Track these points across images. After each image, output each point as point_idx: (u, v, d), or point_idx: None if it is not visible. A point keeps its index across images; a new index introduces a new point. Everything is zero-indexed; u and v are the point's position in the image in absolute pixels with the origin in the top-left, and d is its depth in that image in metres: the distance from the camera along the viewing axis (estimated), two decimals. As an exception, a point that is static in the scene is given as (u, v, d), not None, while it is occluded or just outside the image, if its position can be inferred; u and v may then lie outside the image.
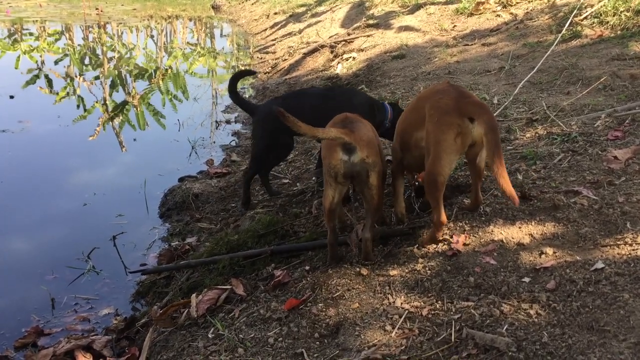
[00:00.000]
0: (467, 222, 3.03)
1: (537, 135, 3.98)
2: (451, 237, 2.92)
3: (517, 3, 7.83)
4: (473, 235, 2.89)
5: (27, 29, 15.58)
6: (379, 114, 4.03)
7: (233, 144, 6.58)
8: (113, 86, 10.06)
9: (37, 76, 10.45)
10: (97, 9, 17.25)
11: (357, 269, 2.90)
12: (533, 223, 2.86)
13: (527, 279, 2.46)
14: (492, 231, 2.88)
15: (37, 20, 16.17)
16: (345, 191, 3.01)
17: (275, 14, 14.83)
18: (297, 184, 4.56)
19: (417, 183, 3.47)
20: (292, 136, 4.07)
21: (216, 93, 9.39)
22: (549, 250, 2.62)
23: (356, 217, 3.51)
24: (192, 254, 4.02)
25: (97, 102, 8.83)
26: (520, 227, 2.86)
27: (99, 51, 13.64)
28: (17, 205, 5.05)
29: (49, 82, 10.06)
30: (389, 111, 4.07)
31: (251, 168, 4.26)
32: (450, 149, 2.74)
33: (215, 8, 19.16)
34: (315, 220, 3.75)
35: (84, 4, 17.24)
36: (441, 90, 2.90)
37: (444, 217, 2.86)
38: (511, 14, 7.59)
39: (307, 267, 3.12)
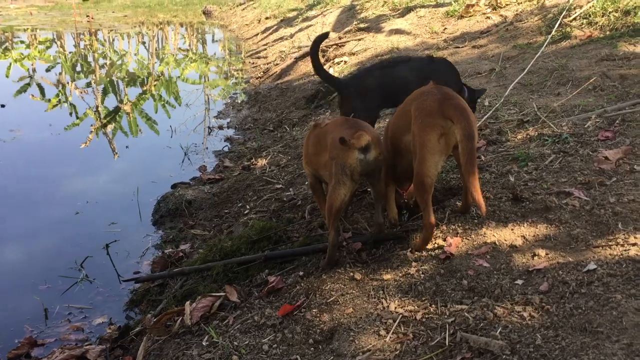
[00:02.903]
0: (459, 224, 3.04)
1: (528, 136, 4.00)
2: (444, 240, 2.93)
3: (507, 5, 7.86)
4: (466, 238, 2.90)
5: (17, 37, 15.53)
6: (460, 92, 4.01)
7: (226, 149, 6.57)
8: (105, 93, 10.05)
9: (28, 84, 10.43)
10: (87, 16, 17.20)
11: (351, 274, 2.90)
12: (525, 225, 2.87)
13: (520, 281, 2.47)
14: (484, 233, 2.89)
15: (27, 28, 16.13)
16: (355, 190, 3.11)
17: (267, 18, 14.83)
18: (290, 189, 4.55)
19: (405, 200, 3.47)
20: (380, 109, 4.07)
21: (209, 99, 9.38)
22: (542, 252, 2.62)
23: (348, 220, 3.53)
24: (186, 261, 4.01)
25: (89, 109, 8.81)
26: (512, 229, 2.86)
27: (90, 58, 13.61)
28: (9, 215, 5.03)
29: (41, 90, 10.04)
30: (465, 92, 4.04)
31: None
32: (434, 150, 2.76)
33: (207, 14, 19.13)
34: (309, 225, 3.75)
35: (74, 11, 17.19)
36: (426, 92, 2.93)
37: (433, 219, 2.87)
38: (501, 15, 7.63)
39: (300, 273, 3.12)
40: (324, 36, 4.09)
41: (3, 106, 8.44)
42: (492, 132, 4.25)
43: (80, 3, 19.97)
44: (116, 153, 6.77)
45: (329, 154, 3.01)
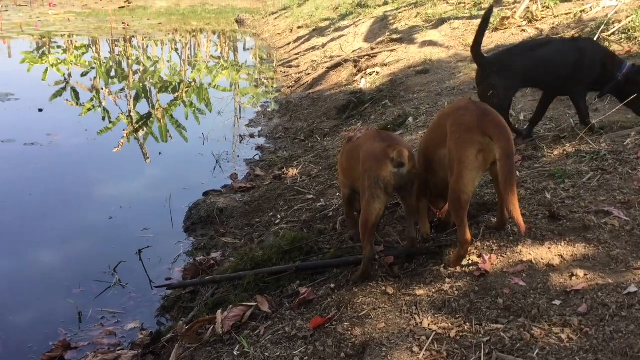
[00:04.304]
0: (494, 241, 3.00)
1: (565, 152, 3.93)
2: (479, 256, 2.89)
3: (543, 18, 7.77)
4: (501, 255, 2.86)
5: (55, 42, 15.88)
6: (612, 68, 4.05)
7: (257, 158, 6.61)
8: (138, 98, 10.23)
9: (64, 89, 10.65)
10: (123, 23, 17.52)
11: (383, 288, 2.88)
12: (563, 244, 2.82)
13: (557, 302, 2.42)
14: (520, 251, 2.84)
15: (65, 34, 16.48)
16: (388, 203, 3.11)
17: (299, 28, 14.91)
18: (321, 199, 4.55)
19: (437, 220, 3.44)
20: (518, 89, 4.16)
21: (240, 106, 9.45)
22: (580, 272, 2.57)
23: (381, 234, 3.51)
24: (217, 269, 4.03)
25: (122, 114, 8.98)
26: (549, 248, 2.82)
27: (124, 64, 13.84)
28: (45, 219, 5.14)
29: (76, 95, 10.25)
30: (625, 66, 4.05)
31: None
32: (472, 166, 2.74)
33: (239, 22, 19.31)
34: (340, 237, 3.74)
35: (111, 18, 17.52)
36: (463, 107, 2.91)
37: (469, 236, 2.84)
38: (537, 29, 7.54)
39: (332, 285, 3.11)
40: (490, 12, 4.22)
41: (41, 110, 8.61)
42: (527, 148, 4.19)
43: (116, 10, 20.35)
44: (147, 157, 6.88)
45: (362, 167, 3.01)
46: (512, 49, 4.21)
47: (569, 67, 3.97)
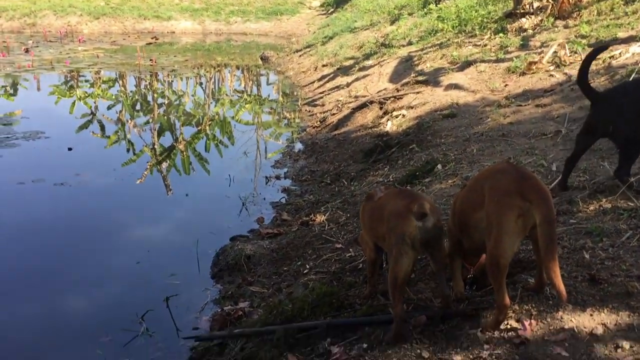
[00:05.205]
0: (533, 305, 2.92)
1: (601, 208, 3.85)
2: (518, 321, 2.82)
3: (571, 63, 7.73)
4: (541, 321, 2.78)
5: (83, 76, 16.22)
6: None
7: (283, 201, 6.59)
8: (162, 131, 10.57)
9: (90, 121, 10.92)
10: (151, 60, 17.83)
11: (418, 351, 2.81)
12: (605, 311, 2.74)
13: (604, 377, 2.34)
14: (561, 317, 2.76)
15: (93, 70, 16.83)
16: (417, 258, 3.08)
17: (324, 66, 14.99)
18: (350, 249, 4.51)
19: (470, 276, 3.38)
20: None
21: (265, 147, 9.48)
22: (626, 344, 2.49)
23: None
24: (245, 320, 3.99)
25: (146, 146, 9.25)
26: (591, 315, 2.73)
27: (149, 98, 14.10)
28: (74, 262, 5.17)
29: (102, 127, 10.50)
30: None
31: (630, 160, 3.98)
32: (512, 230, 2.71)
33: (264, 59, 19.53)
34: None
35: (138, 54, 17.87)
36: (501, 170, 2.90)
37: (507, 300, 2.78)
38: (565, 74, 7.49)
39: (364, 345, 3.05)
40: (603, 49, 4.11)
41: (70, 149, 8.73)
42: (561, 201, 4.12)
43: (143, 47, 20.78)
44: (171, 192, 7.10)
45: (387, 225, 3.01)
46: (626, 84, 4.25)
47: None
